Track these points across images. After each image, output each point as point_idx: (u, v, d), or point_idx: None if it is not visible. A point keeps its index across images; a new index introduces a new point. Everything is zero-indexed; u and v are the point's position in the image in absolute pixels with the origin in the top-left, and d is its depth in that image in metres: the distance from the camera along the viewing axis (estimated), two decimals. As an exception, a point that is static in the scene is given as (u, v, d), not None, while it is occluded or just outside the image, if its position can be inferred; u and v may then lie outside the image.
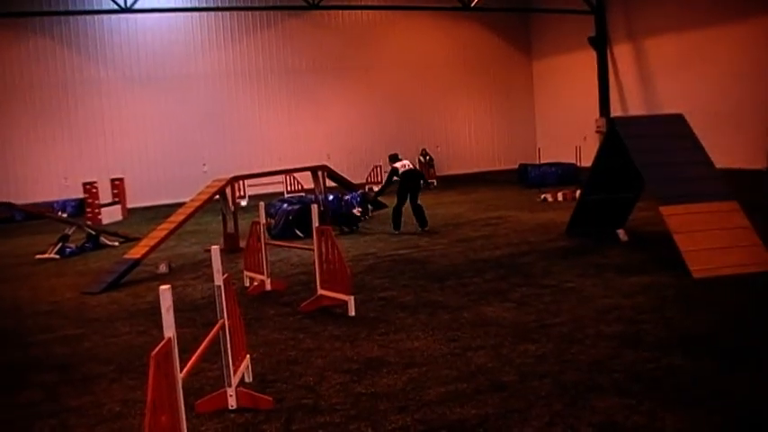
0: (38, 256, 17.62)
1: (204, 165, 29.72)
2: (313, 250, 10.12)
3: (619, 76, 32.37)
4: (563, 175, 27.20)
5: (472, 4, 32.27)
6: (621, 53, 32.05)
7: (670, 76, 29.10)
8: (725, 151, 22.43)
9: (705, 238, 10.92)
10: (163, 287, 4.56)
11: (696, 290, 9.83)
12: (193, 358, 5.36)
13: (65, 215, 24.68)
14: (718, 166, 12.70)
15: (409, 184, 17.19)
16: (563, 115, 35.68)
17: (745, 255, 10.70)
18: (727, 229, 11.10)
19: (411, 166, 17.75)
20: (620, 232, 13.87)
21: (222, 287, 6.37)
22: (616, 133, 13.00)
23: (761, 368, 6.74)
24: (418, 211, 17.37)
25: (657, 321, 8.35)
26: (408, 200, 17.26)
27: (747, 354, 7.16)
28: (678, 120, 13.23)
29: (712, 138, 15.90)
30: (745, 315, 8.62)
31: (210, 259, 6.49)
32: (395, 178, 17.37)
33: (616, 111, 31.76)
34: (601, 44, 32.46)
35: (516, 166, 30.50)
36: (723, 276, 10.24)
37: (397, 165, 17.45)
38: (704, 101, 26.07)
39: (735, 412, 5.81)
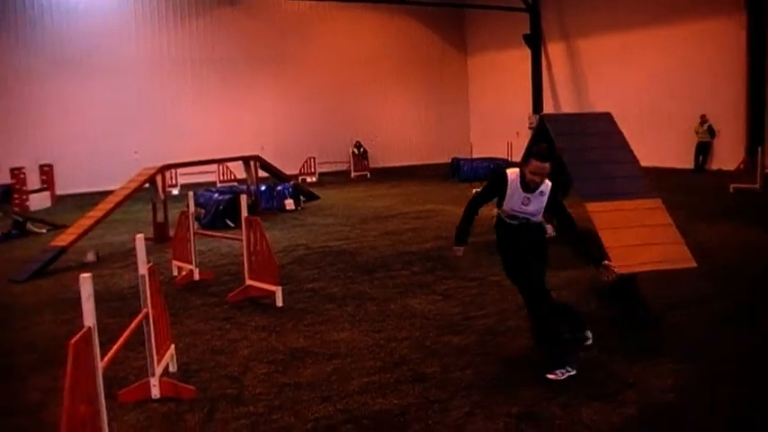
0: (-39, 243, 17.27)
1: (136, 152, 29.34)
2: (242, 240, 10.13)
3: (552, 73, 32.87)
4: (486, 169, 27.40)
5: (408, -2, 32.45)
6: (555, 51, 32.55)
7: (601, 75, 29.68)
8: (652, 150, 23.02)
9: (628, 235, 11.14)
10: (83, 275, 4.55)
11: (616, 285, 10.05)
12: (115, 347, 5.35)
13: (-10, 201, 24.23)
14: (645, 164, 12.98)
15: None
16: (496, 111, 36.12)
17: (665, 251, 10.96)
18: (650, 226, 11.33)
19: None
20: (548, 228, 14.08)
21: (146, 276, 6.37)
22: (546, 130, 13.19)
23: (668, 359, 6.95)
24: None
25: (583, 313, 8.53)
26: None
27: (655, 346, 7.38)
28: (606, 118, 13.44)
29: (640, 137, 16.29)
30: (657, 309, 8.88)
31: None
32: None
33: (548, 108, 32.27)
34: (535, 42, 32.92)
35: (449, 161, 30.71)
36: (643, 273, 10.49)
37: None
38: (633, 100, 26.68)
39: (641, 403, 6.00)
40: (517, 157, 17.51)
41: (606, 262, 6.86)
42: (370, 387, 6.57)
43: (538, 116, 21.37)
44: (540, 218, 7.17)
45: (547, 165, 6.80)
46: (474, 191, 20.48)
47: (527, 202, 7.03)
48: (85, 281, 4.51)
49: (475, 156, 33.93)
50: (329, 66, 35.58)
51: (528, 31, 32.92)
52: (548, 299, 7.03)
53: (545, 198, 6.98)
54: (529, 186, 6.94)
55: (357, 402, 6.24)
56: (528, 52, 33.18)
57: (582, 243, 7.02)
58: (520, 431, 5.58)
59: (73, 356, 4.08)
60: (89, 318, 4.49)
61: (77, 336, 4.26)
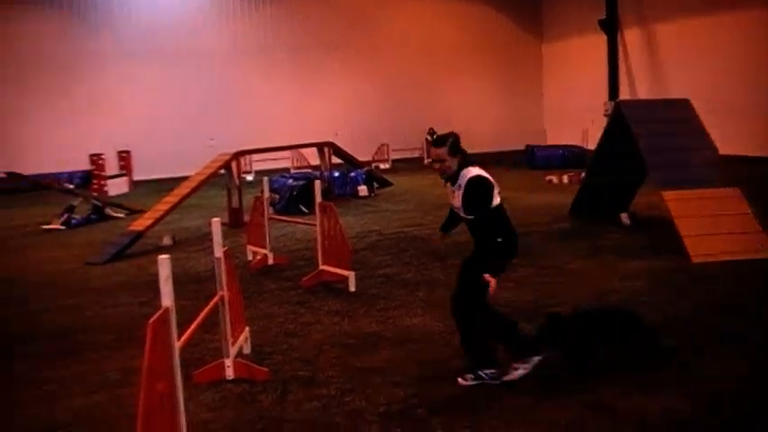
0: (43, 227, 17.74)
1: (211, 139, 29.69)
2: (315, 226, 10.19)
3: (628, 59, 32.28)
4: (569, 157, 27.03)
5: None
6: (631, 37, 31.95)
7: (679, 62, 29.01)
8: (732, 138, 22.44)
9: (705, 224, 10.95)
10: (162, 257, 4.63)
11: (693, 274, 9.87)
12: (191, 328, 5.44)
13: (71, 186, 24.77)
14: (723, 153, 12.71)
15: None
16: (571, 98, 35.61)
17: (745, 241, 10.74)
18: (728, 215, 11.12)
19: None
20: (623, 216, 13.90)
21: (222, 259, 6.45)
22: (622, 116, 13.00)
23: (743, 354, 6.81)
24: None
25: (651, 304, 8.38)
26: None
27: (735, 339, 7.22)
28: (684, 105, 13.22)
29: (718, 124, 15.91)
30: (737, 300, 8.65)
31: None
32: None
33: (624, 95, 31.68)
34: (611, 28, 32.36)
35: (523, 147, 30.42)
36: (722, 262, 10.28)
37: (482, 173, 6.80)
38: (711, 87, 25.99)
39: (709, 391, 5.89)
40: (593, 145, 17.29)
41: (486, 275, 6.11)
42: (442, 373, 6.55)
43: (613, 103, 21.04)
44: (484, 220, 6.33)
45: (438, 150, 6.30)
46: (548, 178, 20.16)
47: (452, 195, 6.45)
48: (164, 262, 4.58)
49: (549, 143, 33.56)
50: (402, 52, 35.54)
51: (604, 17, 32.41)
52: (474, 309, 6.35)
53: (461, 193, 6.29)
54: (450, 178, 6.38)
55: (429, 388, 6.24)
56: (604, 38, 32.66)
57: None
58: (590, 419, 5.53)
59: (151, 336, 4.16)
60: (167, 298, 4.56)
61: (156, 316, 4.33)
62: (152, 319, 4.24)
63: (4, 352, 7.93)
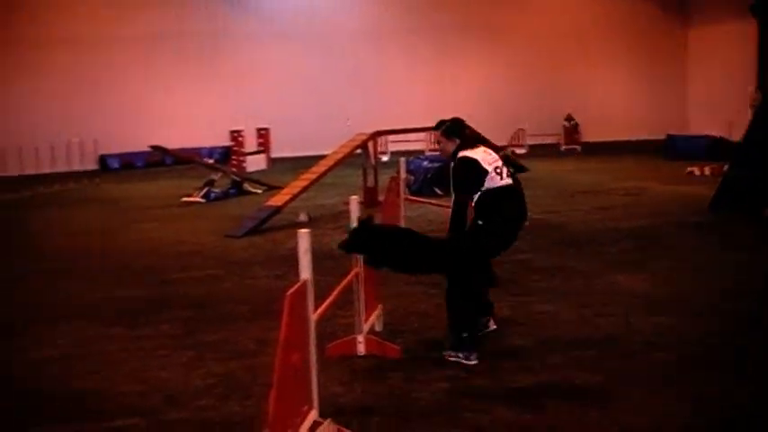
0: (184, 199, 18.38)
1: (348, 119, 30.00)
2: (450, 208, 10.15)
3: (780, 47, 30.93)
4: (713, 148, 25.90)
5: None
6: (785, 23, 30.60)
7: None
8: None
9: None
10: (301, 231, 4.71)
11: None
12: (326, 302, 5.53)
13: (212, 161, 25.48)
14: None
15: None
16: (717, 86, 34.36)
17: None
18: None
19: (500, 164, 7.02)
20: (767, 211, 13.37)
21: (359, 237, 6.52)
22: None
23: None
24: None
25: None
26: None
27: None
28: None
29: None
30: None
31: (349, 212, 6.64)
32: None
33: (774, 84, 30.38)
34: (763, 13, 31.01)
35: (663, 137, 29.55)
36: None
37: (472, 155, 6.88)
38: None
39: None
40: (738, 136, 16.66)
41: None
42: (574, 361, 6.46)
43: (761, 93, 20.20)
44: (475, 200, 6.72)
45: (436, 133, 7.12)
46: (689, 170, 19.47)
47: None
48: (303, 236, 4.66)
49: (692, 132, 32.51)
50: (540, 36, 35.10)
51: (754, 1, 31.10)
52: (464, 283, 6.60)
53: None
54: (450, 159, 6.98)
55: (559, 375, 6.17)
56: (754, 24, 31.36)
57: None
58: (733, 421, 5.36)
59: (289, 308, 4.23)
60: (305, 271, 4.64)
61: (294, 288, 4.41)
62: (290, 291, 4.32)
63: (146, 319, 8.24)
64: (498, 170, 6.67)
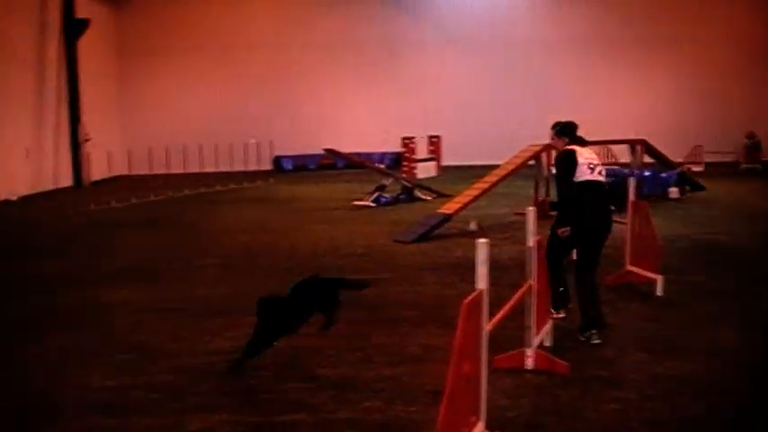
0: (355, 203, 18.69)
1: (520, 129, 29.82)
2: (625, 224, 9.91)
3: None
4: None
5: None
6: None
7: None
8: None
9: None
10: (480, 240, 4.67)
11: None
12: (500, 313, 5.48)
13: (382, 167, 25.84)
14: None
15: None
16: None
17: None
18: None
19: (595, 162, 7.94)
20: None
21: (534, 249, 6.44)
22: None
23: None
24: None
25: None
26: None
27: None
28: None
29: None
30: None
31: (519, 223, 6.58)
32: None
33: None
34: None
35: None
36: None
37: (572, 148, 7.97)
38: None
39: None
40: None
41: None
42: (748, 390, 6.19)
43: None
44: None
45: (551, 132, 8.26)
46: None
47: None
48: (482, 246, 4.62)
49: None
50: (727, 50, 33.70)
51: None
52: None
53: None
54: None
55: (732, 404, 5.91)
56: None
57: None
58: None
59: (464, 316, 4.21)
60: (482, 281, 4.61)
61: (470, 297, 4.39)
62: (466, 300, 4.30)
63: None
64: (591, 166, 7.73)
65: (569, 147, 7.85)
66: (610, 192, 16.80)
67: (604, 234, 7.87)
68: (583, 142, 7.99)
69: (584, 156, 7.72)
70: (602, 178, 7.78)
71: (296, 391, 6.23)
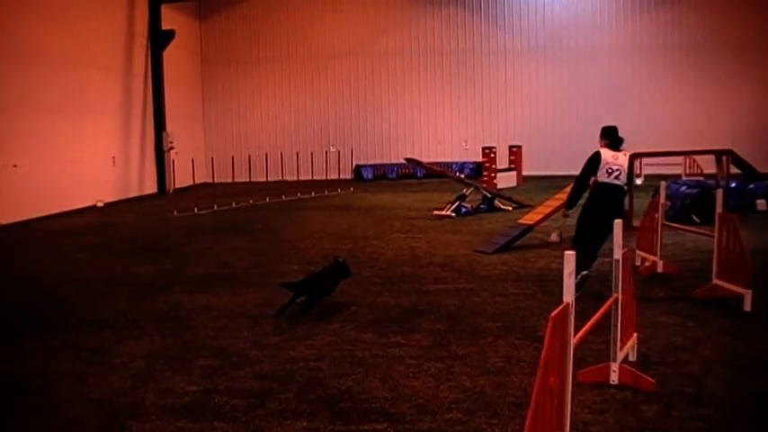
0: (435, 212, 18.69)
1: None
2: (712, 237, 9.71)
3: None
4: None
5: None
6: None
7: None
8: None
9: None
10: (568, 252, 4.63)
11: None
12: (586, 327, 5.41)
13: (462, 176, 25.80)
14: None
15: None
16: None
17: None
18: None
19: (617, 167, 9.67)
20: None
21: (620, 261, 6.36)
22: None
23: None
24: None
25: None
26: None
27: None
28: None
29: None
30: None
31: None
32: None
33: None
34: None
35: None
36: None
37: (602, 150, 9.85)
38: None
39: None
40: None
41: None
42: None
43: None
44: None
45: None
46: None
47: None
48: (569, 258, 4.58)
49: None
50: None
51: None
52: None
53: None
54: None
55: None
56: None
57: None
58: None
59: (551, 329, 4.18)
60: (569, 294, 4.56)
61: (557, 310, 4.35)
62: (554, 313, 4.27)
63: (402, 326, 8.48)
64: (610, 170, 9.46)
65: (600, 149, 9.64)
66: (696, 203, 16.60)
67: (599, 232, 9.37)
68: (618, 146, 9.70)
69: (608, 159, 9.48)
70: (618, 182, 9.56)
71: (377, 400, 6.25)
